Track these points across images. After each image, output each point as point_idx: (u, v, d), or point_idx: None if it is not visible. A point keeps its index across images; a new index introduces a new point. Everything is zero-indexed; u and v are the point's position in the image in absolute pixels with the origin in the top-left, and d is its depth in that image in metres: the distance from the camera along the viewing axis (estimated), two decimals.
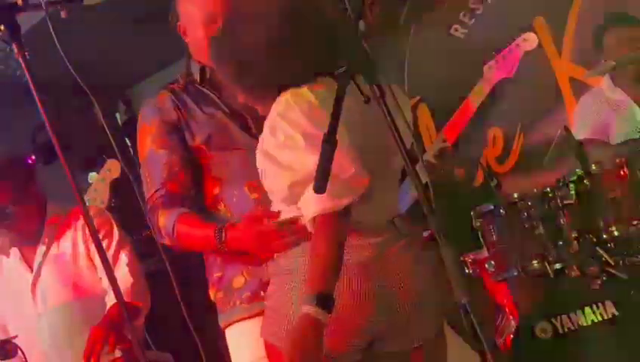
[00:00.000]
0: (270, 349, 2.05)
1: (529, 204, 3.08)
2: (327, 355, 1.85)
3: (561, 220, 3.01)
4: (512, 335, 3.39)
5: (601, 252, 2.99)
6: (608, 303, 3.00)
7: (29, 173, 3.34)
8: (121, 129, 5.45)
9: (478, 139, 4.62)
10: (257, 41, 1.97)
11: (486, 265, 3.24)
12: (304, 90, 1.93)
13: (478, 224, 3.25)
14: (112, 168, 3.16)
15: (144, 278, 3.22)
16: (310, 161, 1.81)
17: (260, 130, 2.46)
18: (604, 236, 2.98)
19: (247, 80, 2.03)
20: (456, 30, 4.74)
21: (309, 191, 1.80)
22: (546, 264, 3.04)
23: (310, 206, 1.87)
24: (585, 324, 3.02)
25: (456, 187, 4.08)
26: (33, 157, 5.41)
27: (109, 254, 3.10)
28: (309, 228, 1.91)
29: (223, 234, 2.34)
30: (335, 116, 1.68)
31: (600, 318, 3.01)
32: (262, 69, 1.98)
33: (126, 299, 2.60)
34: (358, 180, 1.87)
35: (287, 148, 1.90)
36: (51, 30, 1.97)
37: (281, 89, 1.96)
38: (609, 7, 4.00)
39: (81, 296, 3.22)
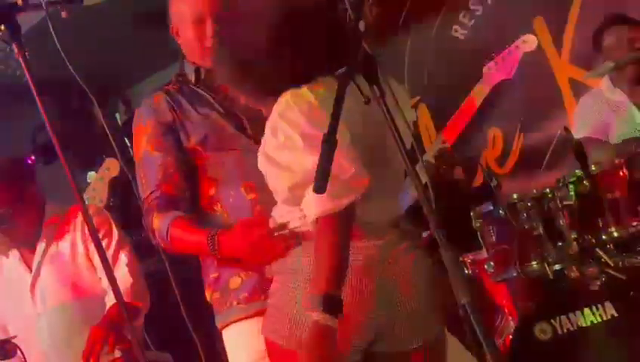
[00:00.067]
0: (271, 346, 2.05)
1: (528, 204, 3.08)
2: None
3: (561, 221, 3.01)
4: (511, 336, 3.39)
5: (600, 253, 2.99)
6: (607, 304, 3.00)
7: (28, 175, 3.33)
8: (120, 129, 5.46)
9: (478, 140, 4.63)
10: (257, 42, 1.97)
11: (485, 266, 3.24)
12: (304, 90, 1.93)
13: (478, 224, 3.25)
14: (111, 167, 3.16)
15: (143, 278, 3.22)
16: (309, 161, 1.81)
17: (256, 131, 2.47)
18: (604, 237, 2.98)
19: (247, 81, 2.03)
20: (456, 31, 4.75)
21: (310, 192, 1.80)
22: (546, 265, 3.04)
23: (311, 207, 1.87)
24: (584, 325, 3.02)
25: (456, 187, 4.09)
26: (33, 157, 5.42)
27: (109, 254, 3.10)
28: (312, 229, 1.91)
29: (216, 240, 2.35)
30: (335, 116, 1.68)
31: (599, 319, 3.01)
32: (262, 71, 1.98)
33: (125, 299, 2.60)
34: (358, 180, 1.87)
35: (286, 149, 1.90)
36: (51, 30, 1.97)
37: (282, 90, 1.96)
38: (609, 8, 4.01)
39: (80, 296, 3.21)
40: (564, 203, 3.01)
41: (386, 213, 2.05)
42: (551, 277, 3.05)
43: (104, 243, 3.08)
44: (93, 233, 2.05)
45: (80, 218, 3.21)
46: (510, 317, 3.67)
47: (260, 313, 2.40)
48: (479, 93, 3.18)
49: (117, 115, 5.82)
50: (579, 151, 3.01)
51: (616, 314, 2.99)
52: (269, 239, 2.23)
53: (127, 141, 4.67)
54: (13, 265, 3.28)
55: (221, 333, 2.53)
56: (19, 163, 3.49)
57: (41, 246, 3.23)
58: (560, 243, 3.01)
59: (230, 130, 2.50)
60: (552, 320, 3.05)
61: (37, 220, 3.26)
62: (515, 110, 4.51)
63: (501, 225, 3.18)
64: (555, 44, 4.39)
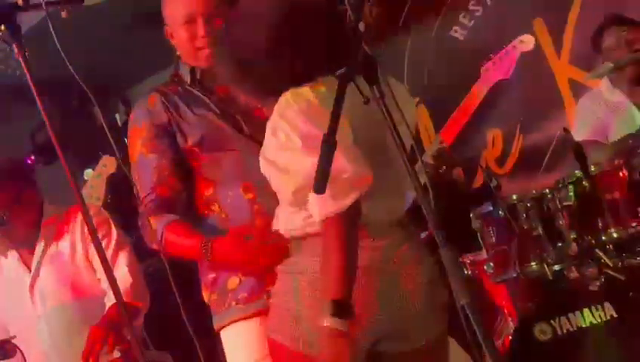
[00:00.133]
0: (274, 346, 2.05)
1: (528, 205, 3.08)
2: None
3: (560, 222, 3.02)
4: (510, 337, 3.39)
5: (599, 253, 3.00)
6: (607, 305, 3.00)
7: (27, 176, 3.33)
8: (120, 129, 5.45)
9: (478, 141, 4.63)
10: (257, 42, 1.97)
11: (485, 267, 3.24)
12: (305, 89, 1.93)
13: (478, 225, 3.25)
14: (108, 164, 3.15)
15: (143, 278, 3.22)
16: (308, 163, 1.81)
17: (254, 131, 2.47)
18: (603, 238, 2.98)
19: (247, 81, 2.04)
20: (455, 31, 4.75)
21: (313, 194, 1.80)
22: (545, 265, 3.04)
23: (315, 209, 1.87)
24: (583, 326, 3.02)
25: (456, 188, 4.09)
26: (33, 157, 5.42)
27: (108, 254, 3.10)
28: (320, 229, 1.91)
29: (209, 247, 2.36)
30: (334, 117, 1.68)
31: (599, 320, 3.01)
32: (262, 70, 1.98)
33: (125, 299, 2.59)
34: (360, 178, 1.87)
35: (286, 150, 1.90)
36: (51, 30, 1.97)
37: (282, 89, 1.96)
38: (608, 9, 4.01)
39: (79, 296, 3.21)
40: (564, 203, 3.02)
41: (388, 213, 2.05)
42: (550, 277, 3.05)
43: (103, 244, 3.07)
44: (93, 233, 2.04)
45: (79, 218, 3.21)
46: (510, 318, 3.67)
47: (259, 313, 2.41)
48: (477, 93, 3.18)
49: (117, 116, 5.82)
50: (578, 151, 3.01)
51: (615, 315, 2.99)
52: (263, 249, 2.25)
53: (126, 141, 4.67)
54: (12, 265, 3.28)
55: (219, 334, 2.54)
56: (17, 163, 3.49)
57: (40, 247, 3.23)
58: (559, 244, 3.02)
59: (227, 131, 2.50)
60: (552, 321, 3.05)
61: (35, 221, 3.25)
62: (514, 111, 4.51)
63: (501, 225, 3.18)
64: (555, 44, 4.40)
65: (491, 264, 3.20)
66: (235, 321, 2.46)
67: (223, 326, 2.50)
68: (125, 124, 2.95)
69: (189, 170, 2.55)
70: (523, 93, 4.45)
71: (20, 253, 3.28)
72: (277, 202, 2.10)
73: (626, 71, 3.71)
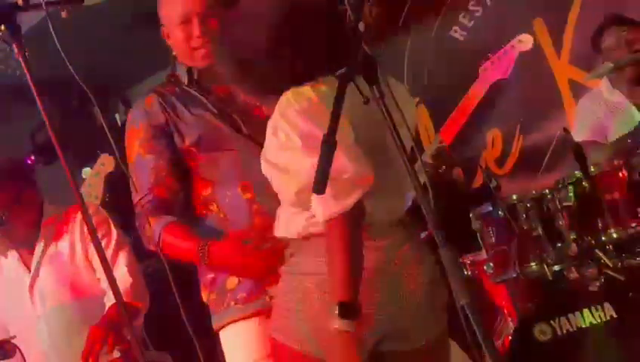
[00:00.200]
0: (275, 345, 2.04)
1: (528, 205, 3.08)
2: None
3: (560, 222, 3.02)
4: (510, 337, 3.39)
5: (599, 254, 3.00)
6: (607, 305, 3.00)
7: (26, 176, 3.33)
8: (120, 129, 5.45)
9: (478, 141, 4.63)
10: (257, 41, 1.97)
11: (485, 267, 3.24)
12: (306, 88, 1.93)
13: (477, 225, 3.25)
14: (106, 162, 3.16)
15: (143, 278, 3.22)
16: (309, 163, 1.81)
17: (252, 130, 2.47)
18: (603, 238, 2.98)
19: (248, 81, 2.04)
20: (455, 32, 4.75)
21: (316, 195, 1.80)
22: (545, 266, 3.04)
23: (318, 210, 1.87)
24: (583, 326, 3.02)
25: (455, 188, 4.09)
26: (32, 157, 5.42)
27: (108, 254, 3.09)
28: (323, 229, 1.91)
29: (206, 251, 2.36)
30: (334, 117, 1.68)
31: (598, 320, 3.01)
32: (262, 70, 1.98)
33: (125, 299, 2.59)
34: (361, 178, 1.86)
35: (287, 150, 1.90)
36: (51, 30, 1.97)
37: (283, 89, 1.96)
38: (608, 9, 4.01)
39: (79, 296, 3.21)
40: (564, 204, 3.02)
41: (389, 213, 2.05)
42: (550, 278, 3.05)
43: (103, 243, 3.07)
44: (93, 233, 2.04)
45: (79, 218, 3.21)
46: (509, 318, 3.67)
47: (258, 313, 2.41)
48: (475, 93, 3.18)
49: (116, 116, 5.82)
50: (578, 152, 3.01)
51: (615, 315, 2.99)
52: (260, 254, 2.25)
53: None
54: (12, 265, 3.28)
55: (218, 334, 2.54)
56: (17, 163, 3.48)
57: (39, 247, 3.23)
58: (559, 244, 3.02)
59: (225, 130, 2.50)
60: (552, 321, 3.05)
61: (35, 221, 3.25)
62: (514, 111, 4.51)
63: (500, 226, 3.18)
64: (555, 45, 4.40)
65: (491, 264, 3.20)
66: (234, 321, 2.46)
67: (222, 326, 2.50)
68: (125, 124, 2.95)
69: (187, 170, 2.55)
70: (523, 93, 4.45)
71: (19, 253, 3.28)
72: (276, 202, 2.09)
73: (625, 71, 3.71)
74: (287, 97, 1.94)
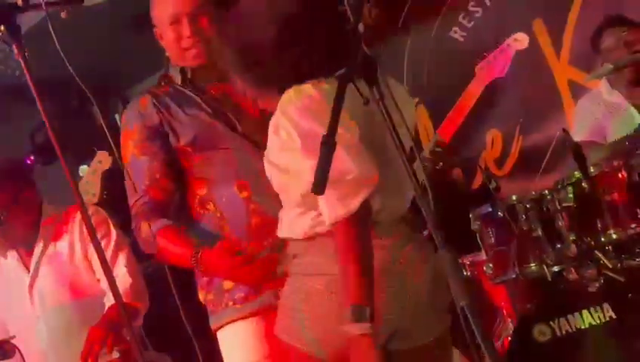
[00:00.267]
0: (281, 346, 2.04)
1: (527, 206, 3.08)
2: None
3: (560, 223, 3.02)
4: (509, 338, 3.39)
5: (599, 255, 3.00)
6: (606, 306, 3.00)
7: (26, 177, 3.33)
8: (119, 129, 5.45)
9: (477, 142, 4.63)
10: (263, 33, 1.96)
11: (484, 268, 3.24)
12: (307, 85, 1.93)
13: (477, 226, 3.25)
14: (103, 160, 3.15)
15: (142, 279, 3.21)
16: (312, 164, 1.80)
17: (247, 129, 2.48)
18: (602, 239, 2.98)
19: (250, 71, 2.03)
20: (455, 32, 4.75)
21: (321, 198, 1.80)
22: (544, 266, 3.04)
23: (325, 213, 1.87)
24: (583, 327, 3.02)
25: (455, 189, 4.09)
26: (32, 157, 5.42)
27: (107, 254, 3.09)
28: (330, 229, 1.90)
29: (199, 258, 2.37)
30: (334, 117, 1.68)
31: (598, 321, 3.01)
32: (265, 62, 1.97)
33: (124, 299, 2.60)
34: (365, 178, 1.86)
35: (288, 151, 1.90)
36: (51, 30, 1.97)
37: (284, 86, 1.95)
38: (608, 10, 4.01)
39: (78, 296, 3.21)
40: (563, 204, 3.02)
41: (391, 212, 2.04)
42: (549, 278, 3.05)
43: (102, 244, 3.07)
44: (92, 234, 2.04)
45: (78, 218, 3.21)
46: (509, 319, 3.67)
47: (256, 313, 2.41)
48: (473, 92, 3.18)
49: (116, 116, 5.81)
50: (577, 153, 3.01)
51: (614, 316, 2.99)
52: (252, 266, 2.27)
53: None
54: (11, 265, 3.28)
55: (215, 334, 2.53)
56: (16, 163, 3.48)
57: (39, 247, 3.23)
58: (559, 245, 3.02)
59: (220, 129, 2.51)
60: (551, 322, 3.05)
61: (34, 221, 3.25)
62: (514, 112, 4.51)
63: (500, 226, 3.18)
64: (555, 45, 4.40)
65: (490, 265, 3.19)
66: (233, 321, 2.47)
67: (220, 327, 2.50)
68: None
69: (182, 171, 2.55)
70: (522, 93, 4.45)
71: (19, 254, 3.28)
72: (272, 200, 2.09)
73: (624, 72, 3.71)
74: (289, 95, 1.94)
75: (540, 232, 3.04)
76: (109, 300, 3.08)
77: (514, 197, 3.14)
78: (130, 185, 2.53)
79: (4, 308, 3.30)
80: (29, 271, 3.24)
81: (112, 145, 2.30)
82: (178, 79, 2.60)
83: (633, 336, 2.96)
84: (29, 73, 1.95)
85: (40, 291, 3.22)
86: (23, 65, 1.96)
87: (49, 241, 3.24)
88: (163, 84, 2.63)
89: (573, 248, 2.97)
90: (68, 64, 1.97)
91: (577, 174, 3.03)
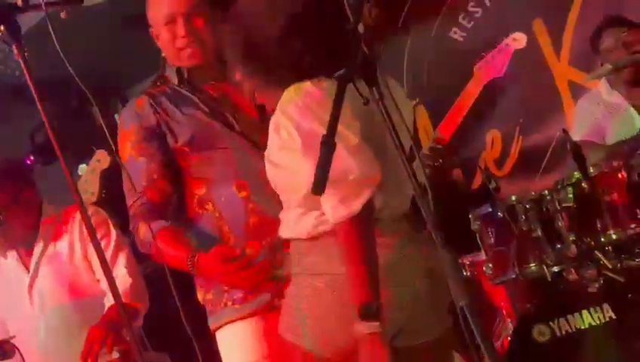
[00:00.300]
0: (284, 345, 2.03)
1: (527, 206, 3.08)
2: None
3: (559, 223, 3.02)
4: (509, 338, 3.39)
5: (598, 255, 3.00)
6: (606, 306, 3.00)
7: (26, 177, 3.33)
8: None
9: (477, 142, 4.63)
10: (270, 25, 1.96)
11: (484, 268, 3.24)
12: (307, 83, 1.93)
13: (477, 226, 3.25)
14: (102, 158, 3.15)
15: (142, 279, 3.21)
16: (312, 165, 1.80)
17: (245, 128, 2.48)
18: (602, 239, 2.98)
19: (253, 62, 2.02)
20: (455, 32, 4.75)
21: (324, 199, 1.80)
22: (544, 267, 3.04)
23: (328, 213, 1.87)
24: (582, 327, 3.03)
25: (455, 189, 4.09)
26: (32, 157, 5.42)
27: (107, 255, 3.08)
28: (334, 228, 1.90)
29: (195, 262, 2.38)
30: (333, 118, 1.68)
31: (598, 321, 3.01)
32: (269, 55, 1.97)
33: (124, 300, 2.60)
34: (367, 177, 1.86)
35: (289, 150, 1.90)
36: (51, 31, 1.97)
37: (285, 81, 1.95)
38: (608, 10, 4.01)
39: (78, 297, 3.21)
40: (563, 205, 3.02)
41: (392, 211, 2.04)
42: (549, 279, 3.05)
43: (102, 244, 3.07)
44: (92, 234, 2.04)
45: (78, 218, 3.21)
46: (508, 319, 3.67)
47: (255, 313, 2.41)
48: (471, 92, 3.18)
49: (116, 116, 5.81)
50: (577, 153, 3.01)
51: (614, 317, 2.99)
52: (244, 274, 2.29)
53: None
54: (11, 265, 3.28)
55: (214, 334, 2.53)
56: (16, 163, 3.48)
57: (38, 247, 3.23)
58: (558, 246, 3.02)
59: (218, 128, 2.51)
60: (551, 322, 3.05)
61: (34, 221, 3.25)
62: (513, 112, 4.51)
63: (500, 226, 3.18)
64: (554, 46, 4.40)
65: (490, 265, 3.19)
66: (232, 321, 2.47)
67: (219, 327, 2.50)
68: None
69: (179, 171, 2.55)
70: (522, 94, 4.45)
71: (19, 253, 3.27)
72: (271, 200, 2.09)
73: (624, 72, 3.71)
74: (289, 93, 1.94)
75: (539, 232, 3.04)
76: (109, 300, 3.07)
77: (514, 198, 3.14)
78: (128, 186, 2.53)
79: (4, 308, 3.30)
80: (28, 271, 3.24)
81: (112, 145, 2.30)
82: (175, 79, 2.60)
83: (633, 337, 2.96)
84: (28, 73, 1.95)
85: (40, 291, 3.22)
86: (22, 65, 1.96)
87: (49, 241, 3.24)
88: (159, 84, 2.63)
89: (573, 248, 2.97)
90: (68, 64, 1.97)
91: (577, 174, 3.03)
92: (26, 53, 1.96)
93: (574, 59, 4.32)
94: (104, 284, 3.09)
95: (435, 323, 2.07)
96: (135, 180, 2.51)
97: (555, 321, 3.05)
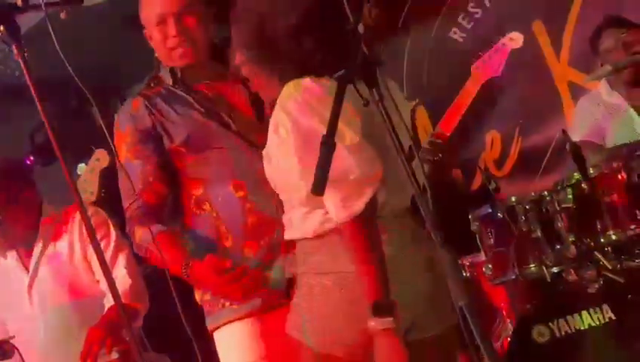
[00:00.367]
0: (292, 342, 2.03)
1: (527, 207, 3.08)
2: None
3: (559, 224, 3.02)
4: (508, 339, 3.39)
5: (598, 256, 3.00)
6: (605, 307, 3.00)
7: (26, 178, 3.32)
8: None
9: (477, 143, 4.63)
10: (282, 17, 1.96)
11: (483, 268, 3.24)
12: (307, 79, 1.93)
13: (476, 227, 3.25)
14: (101, 158, 3.15)
15: (142, 280, 3.21)
16: (309, 165, 1.80)
17: (241, 127, 2.48)
18: (602, 240, 2.98)
19: (258, 49, 2.01)
20: (454, 33, 4.75)
21: (327, 199, 1.80)
22: (544, 267, 3.04)
23: (332, 213, 1.87)
24: (582, 328, 3.02)
25: (454, 189, 4.09)
26: (32, 157, 5.41)
27: (107, 255, 3.08)
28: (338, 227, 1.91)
29: (189, 269, 2.39)
30: (333, 118, 1.67)
31: (597, 322, 3.01)
32: (276, 45, 1.96)
33: (124, 300, 2.60)
34: (368, 177, 1.86)
35: (289, 150, 1.90)
36: (51, 31, 1.97)
37: (287, 75, 1.95)
38: (608, 11, 4.01)
39: (77, 297, 3.20)
40: (563, 206, 3.02)
41: (393, 207, 2.04)
42: (549, 279, 3.05)
43: (102, 245, 3.07)
44: (92, 235, 2.04)
45: (77, 218, 3.21)
46: (508, 320, 3.67)
47: (252, 314, 2.41)
48: (468, 91, 3.18)
49: (115, 116, 5.81)
50: (577, 154, 3.01)
51: (614, 317, 2.99)
52: (236, 286, 2.30)
53: None
54: (11, 265, 3.28)
55: (212, 335, 2.53)
56: (15, 163, 3.48)
57: (38, 247, 3.23)
58: (558, 246, 3.02)
59: (213, 128, 2.51)
60: (550, 323, 3.05)
61: (34, 221, 3.24)
62: (513, 113, 4.51)
63: (499, 227, 3.18)
64: (554, 46, 4.40)
65: (490, 266, 3.19)
66: (229, 322, 2.47)
67: (217, 327, 2.50)
68: None
69: (175, 172, 2.55)
70: (522, 95, 4.45)
71: (19, 253, 3.27)
72: (268, 200, 2.09)
73: (623, 73, 3.71)
74: (289, 89, 1.93)
75: (539, 233, 3.04)
76: (109, 301, 3.07)
77: (513, 198, 3.14)
78: (124, 187, 2.53)
79: (3, 308, 3.30)
80: (28, 271, 3.23)
81: (112, 145, 2.30)
82: (169, 80, 2.60)
83: (632, 337, 2.96)
84: (28, 73, 1.95)
85: (39, 291, 3.21)
86: (22, 65, 1.96)
87: (48, 241, 3.24)
88: (152, 85, 2.64)
89: (573, 249, 2.97)
90: (67, 64, 1.97)
91: (577, 175, 3.03)
92: (25, 53, 1.96)
93: (574, 59, 4.32)
94: (104, 285, 3.09)
95: (433, 324, 2.06)
96: (131, 183, 2.51)
97: (555, 322, 3.05)
